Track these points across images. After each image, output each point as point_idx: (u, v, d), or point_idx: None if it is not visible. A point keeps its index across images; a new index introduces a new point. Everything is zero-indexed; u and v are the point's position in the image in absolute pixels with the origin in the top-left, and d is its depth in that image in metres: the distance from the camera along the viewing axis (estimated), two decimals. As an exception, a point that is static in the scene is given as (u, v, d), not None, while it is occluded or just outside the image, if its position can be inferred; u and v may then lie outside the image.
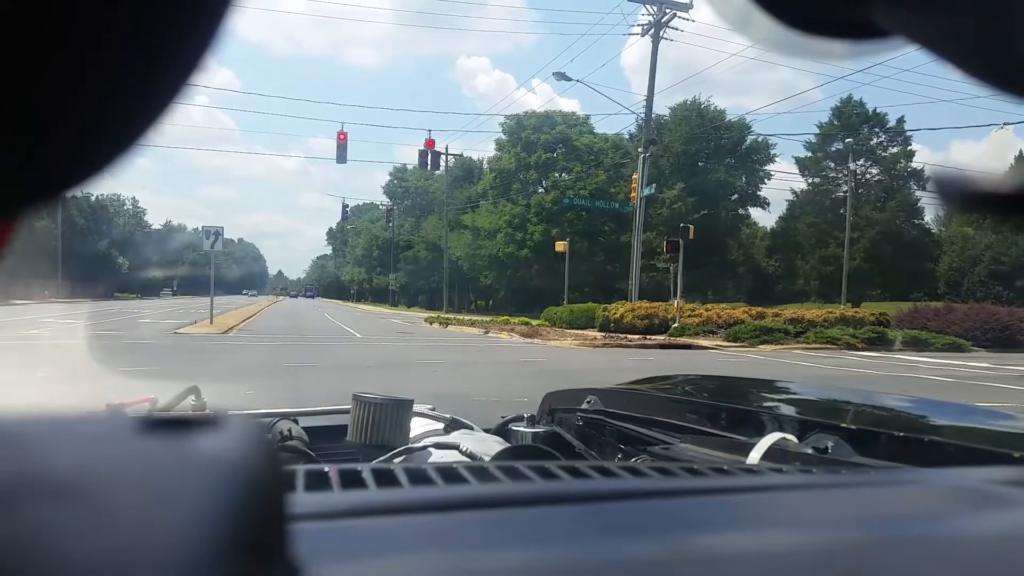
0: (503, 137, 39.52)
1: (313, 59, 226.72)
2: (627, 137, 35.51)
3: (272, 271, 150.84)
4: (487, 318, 25.33)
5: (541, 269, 34.13)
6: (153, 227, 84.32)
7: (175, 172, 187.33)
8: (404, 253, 52.43)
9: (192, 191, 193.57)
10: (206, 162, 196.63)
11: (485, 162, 45.28)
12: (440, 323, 23.26)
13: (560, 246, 25.65)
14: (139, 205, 69.05)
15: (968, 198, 0.22)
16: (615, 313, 19.12)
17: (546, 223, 34.40)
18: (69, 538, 0.14)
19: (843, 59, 0.24)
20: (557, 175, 37.21)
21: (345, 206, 36.84)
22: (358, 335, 17.17)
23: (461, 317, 26.22)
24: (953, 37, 0.20)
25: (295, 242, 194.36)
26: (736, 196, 38.28)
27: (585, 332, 18.24)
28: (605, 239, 34.49)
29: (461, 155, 40.38)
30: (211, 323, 18.17)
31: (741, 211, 39.57)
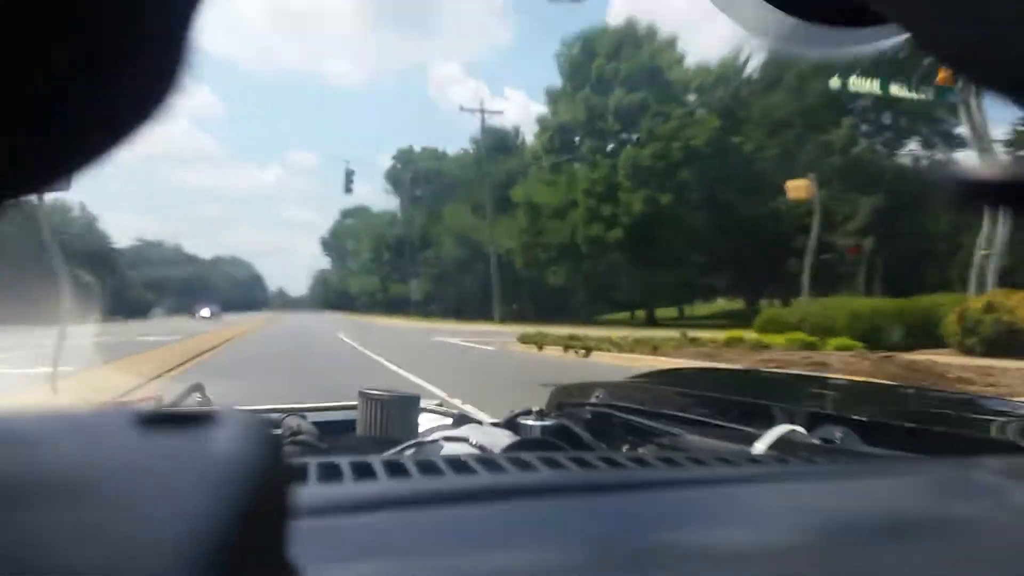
0: (557, 85, 29.43)
1: (290, 74, 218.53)
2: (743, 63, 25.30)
3: (272, 288, 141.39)
4: (594, 332, 15.75)
5: (640, 255, 23.87)
6: (120, 244, 74.30)
7: (161, 195, 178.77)
8: (424, 254, 42.37)
9: (183, 212, 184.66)
10: (192, 182, 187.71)
11: (525, 131, 35.21)
12: (534, 344, 13.36)
13: (799, 188, 14.75)
14: (87, 210, 57.50)
15: (971, 189, 0.21)
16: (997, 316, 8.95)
17: (646, 187, 23.77)
18: (65, 537, 0.14)
19: (840, 48, 0.24)
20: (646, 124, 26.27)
21: (349, 172, 26.27)
22: (431, 386, 6.91)
23: (551, 332, 16.01)
24: (950, 38, 0.18)
25: (293, 259, 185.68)
26: None
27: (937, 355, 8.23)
28: (733, 207, 23.34)
29: (502, 112, 30.25)
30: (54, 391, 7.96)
31: None
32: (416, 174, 47.18)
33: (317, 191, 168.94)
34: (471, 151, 38.20)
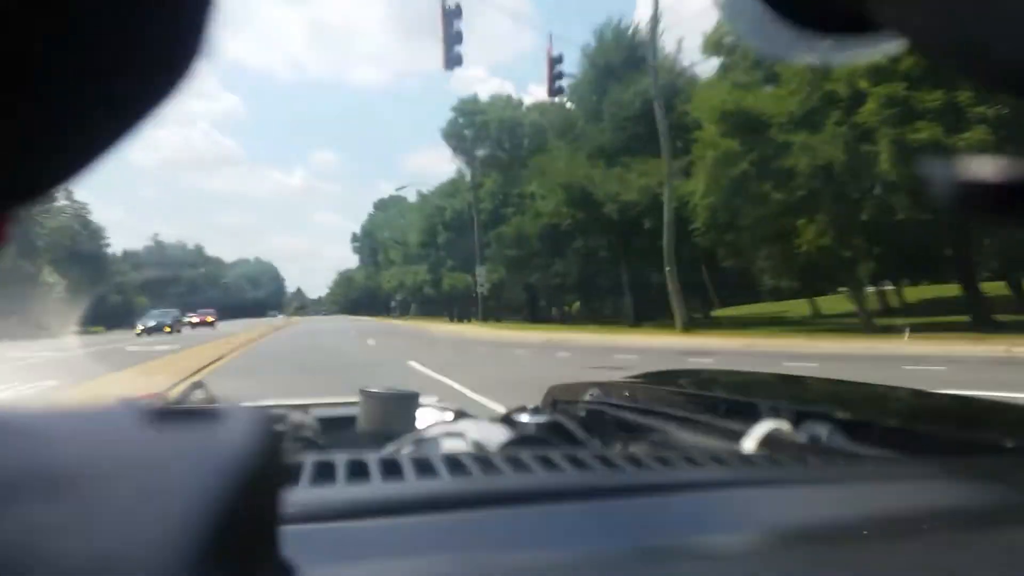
0: None
1: (315, 80, 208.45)
2: None
3: (291, 289, 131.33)
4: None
5: None
6: (125, 248, 63.86)
7: (184, 200, 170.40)
8: (499, 230, 30.38)
9: (206, 217, 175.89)
10: (215, 187, 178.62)
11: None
12: None
13: None
14: (77, 200, 45.40)
15: (965, 192, 0.20)
16: None
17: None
18: (58, 535, 0.14)
19: (833, 55, 0.23)
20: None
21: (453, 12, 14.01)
22: None
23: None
24: (948, 35, 0.18)
25: (314, 263, 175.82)
26: None
27: None
28: None
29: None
30: None
31: None
32: (484, 129, 34.92)
33: (343, 194, 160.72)
34: (580, 77, 26.00)
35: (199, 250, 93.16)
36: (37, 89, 0.13)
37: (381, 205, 71.86)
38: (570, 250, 26.58)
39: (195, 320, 37.28)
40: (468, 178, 34.49)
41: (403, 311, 59.02)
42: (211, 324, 36.77)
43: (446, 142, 37.52)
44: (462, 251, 34.92)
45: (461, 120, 36.93)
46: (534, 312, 34.07)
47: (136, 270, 65.37)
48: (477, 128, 35.19)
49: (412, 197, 47.85)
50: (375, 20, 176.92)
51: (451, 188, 38.39)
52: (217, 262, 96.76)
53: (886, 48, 0.22)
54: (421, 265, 41.65)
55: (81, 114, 0.14)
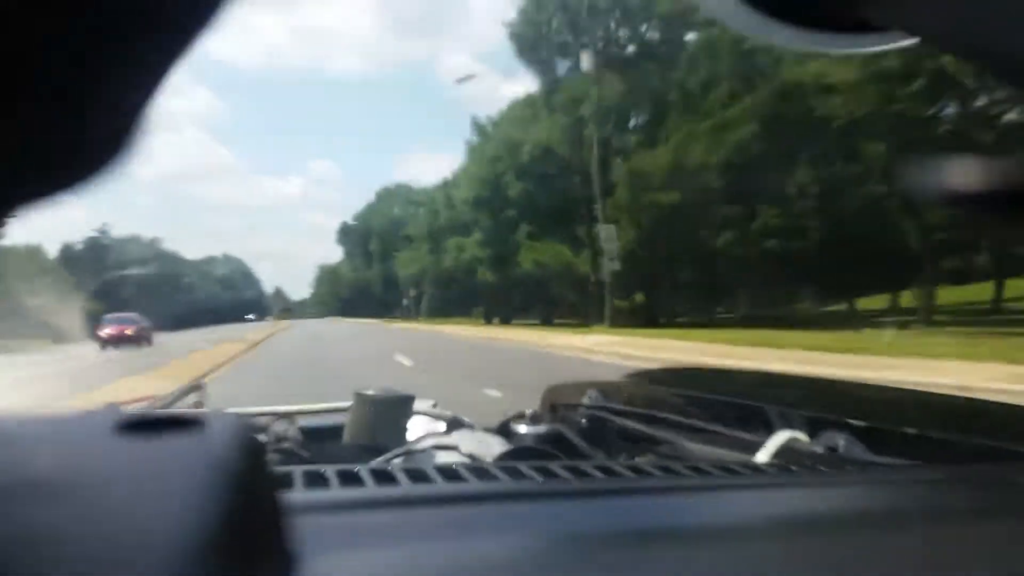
0: None
1: (300, 78, 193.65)
2: None
3: (269, 290, 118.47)
4: None
5: None
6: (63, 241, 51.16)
7: (173, 204, 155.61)
8: (632, 162, 18.47)
9: (192, 219, 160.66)
10: (203, 191, 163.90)
11: None
12: None
13: None
14: None
15: (960, 194, 0.20)
16: None
17: None
18: (42, 539, 0.14)
19: (836, 50, 0.23)
20: None
21: None
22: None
23: None
24: (952, 30, 0.18)
25: (289, 260, 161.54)
26: None
27: None
28: None
29: None
30: None
31: None
32: (591, 10, 22.24)
33: (334, 198, 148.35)
34: None
35: (153, 243, 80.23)
36: (37, 89, 0.13)
37: (384, 194, 61.60)
38: (795, 184, 14.85)
39: (108, 333, 20.82)
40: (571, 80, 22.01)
41: (406, 312, 46.46)
42: (133, 339, 20.50)
43: (517, 53, 24.73)
44: (549, 209, 22.62)
45: (527, 23, 24.35)
46: (652, 312, 21.64)
47: (73, 268, 53.01)
48: (571, 14, 22.64)
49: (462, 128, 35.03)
50: (361, 14, 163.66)
51: (526, 111, 23.88)
52: (174, 258, 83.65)
53: (893, 44, 0.22)
54: (466, 237, 27.75)
55: (81, 116, 0.14)
